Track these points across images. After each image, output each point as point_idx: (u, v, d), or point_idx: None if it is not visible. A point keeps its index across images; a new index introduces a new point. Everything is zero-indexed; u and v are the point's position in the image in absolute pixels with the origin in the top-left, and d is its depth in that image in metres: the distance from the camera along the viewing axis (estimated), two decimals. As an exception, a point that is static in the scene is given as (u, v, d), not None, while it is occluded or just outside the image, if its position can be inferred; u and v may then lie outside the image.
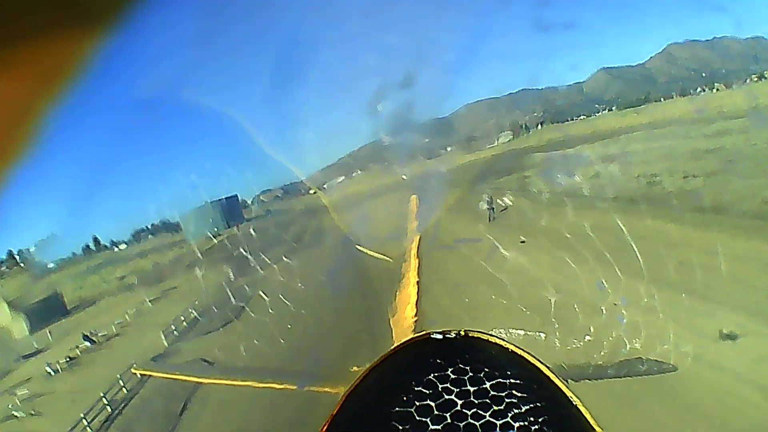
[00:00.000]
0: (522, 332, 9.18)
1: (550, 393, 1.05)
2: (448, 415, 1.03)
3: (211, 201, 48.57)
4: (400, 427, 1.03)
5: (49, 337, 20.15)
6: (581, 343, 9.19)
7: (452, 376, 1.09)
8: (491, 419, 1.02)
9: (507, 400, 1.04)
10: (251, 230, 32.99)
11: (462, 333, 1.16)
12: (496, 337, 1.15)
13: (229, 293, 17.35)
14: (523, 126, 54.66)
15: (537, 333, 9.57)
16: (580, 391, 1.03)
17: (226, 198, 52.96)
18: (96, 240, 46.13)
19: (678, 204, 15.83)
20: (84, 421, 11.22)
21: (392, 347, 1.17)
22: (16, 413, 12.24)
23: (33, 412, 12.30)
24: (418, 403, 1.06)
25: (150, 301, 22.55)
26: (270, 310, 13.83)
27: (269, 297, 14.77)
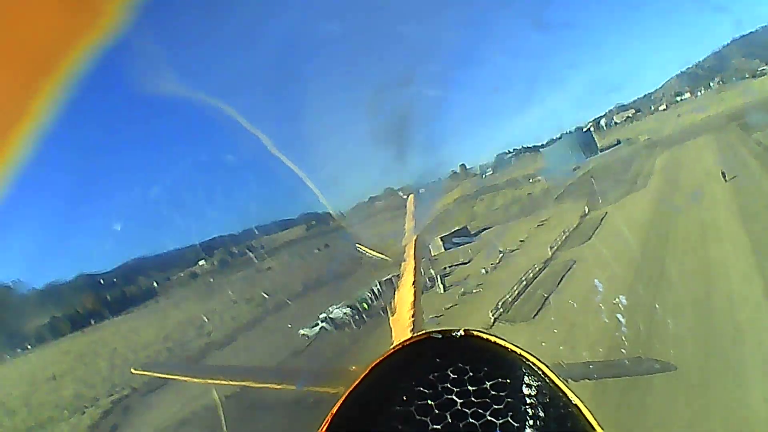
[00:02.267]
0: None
1: (550, 393, 1.05)
2: (448, 414, 1.03)
3: (569, 132, 49.20)
4: (401, 427, 1.03)
5: (470, 253, 29.31)
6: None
7: (452, 376, 1.09)
8: (491, 418, 1.01)
9: (507, 400, 1.03)
10: (602, 164, 38.55)
11: (462, 333, 1.16)
12: (496, 336, 1.15)
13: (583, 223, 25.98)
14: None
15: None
16: (580, 391, 1.03)
17: (581, 130, 51.85)
18: (463, 166, 53.64)
19: None
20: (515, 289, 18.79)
21: (392, 347, 1.17)
22: (473, 291, 21.74)
23: (480, 290, 21.52)
24: (418, 403, 1.06)
25: (535, 227, 30.98)
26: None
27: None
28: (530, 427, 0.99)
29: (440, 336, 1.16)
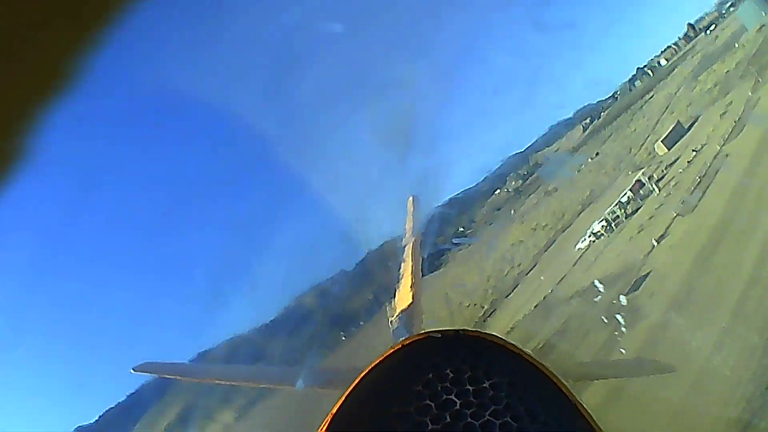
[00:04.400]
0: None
1: (550, 393, 1.05)
2: (447, 414, 1.03)
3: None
4: (400, 427, 1.03)
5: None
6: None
7: (451, 376, 1.09)
8: (491, 418, 1.01)
9: (506, 400, 1.03)
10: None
11: (461, 333, 1.15)
12: (496, 336, 1.14)
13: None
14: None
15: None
16: (580, 390, 1.02)
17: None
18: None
19: None
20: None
21: (392, 347, 1.17)
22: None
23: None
24: (417, 403, 1.06)
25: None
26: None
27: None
28: (530, 426, 0.99)
29: (439, 336, 1.16)
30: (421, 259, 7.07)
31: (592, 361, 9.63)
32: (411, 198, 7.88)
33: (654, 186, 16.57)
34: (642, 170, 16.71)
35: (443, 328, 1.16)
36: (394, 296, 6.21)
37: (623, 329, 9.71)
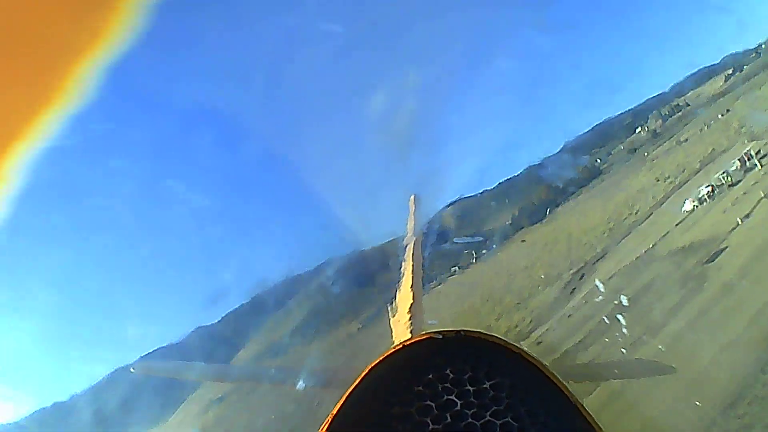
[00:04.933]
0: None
1: (550, 393, 1.05)
2: (448, 414, 1.03)
3: None
4: (401, 427, 1.03)
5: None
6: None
7: (452, 376, 1.09)
8: (491, 419, 1.01)
9: (507, 400, 1.03)
10: None
11: (461, 333, 1.16)
12: (496, 336, 1.15)
13: None
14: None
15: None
16: (581, 391, 1.02)
17: None
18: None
19: None
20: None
21: (392, 347, 1.17)
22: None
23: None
24: (418, 403, 1.06)
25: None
26: None
27: None
28: (530, 427, 0.99)
29: (440, 336, 1.16)
30: (422, 259, 7.08)
31: (592, 362, 9.65)
32: (412, 197, 7.89)
33: (758, 162, 16.23)
34: (755, 141, 16.41)
35: (444, 329, 1.16)
36: (395, 296, 6.22)
37: (624, 330, 9.72)
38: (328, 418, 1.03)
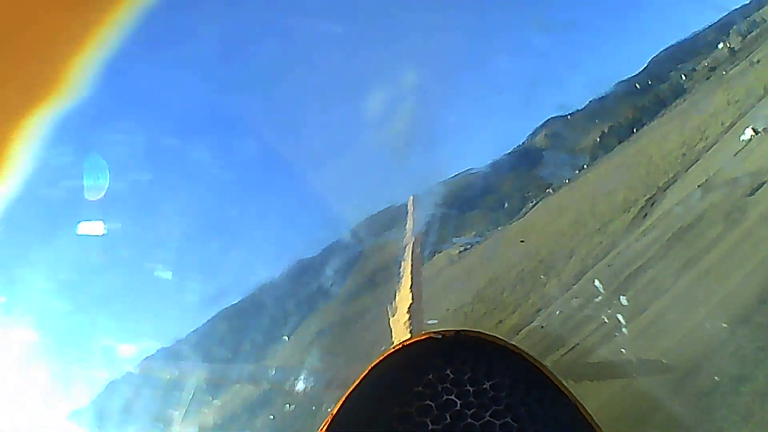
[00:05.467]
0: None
1: (550, 393, 1.06)
2: (448, 414, 1.04)
3: None
4: (400, 428, 1.04)
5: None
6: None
7: (451, 376, 1.10)
8: (491, 419, 1.02)
9: (506, 401, 1.04)
10: None
11: (461, 333, 1.16)
12: (495, 336, 1.15)
13: None
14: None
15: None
16: (580, 391, 1.03)
17: None
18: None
19: None
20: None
21: (392, 347, 1.18)
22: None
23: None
24: (417, 404, 1.06)
25: None
26: None
27: None
28: (530, 427, 1.00)
29: (440, 336, 1.17)
30: (422, 259, 7.11)
31: (592, 362, 9.69)
32: (411, 198, 7.91)
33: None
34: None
35: (444, 329, 1.17)
36: (394, 296, 6.25)
37: (624, 329, 9.75)
38: (328, 418, 1.04)
